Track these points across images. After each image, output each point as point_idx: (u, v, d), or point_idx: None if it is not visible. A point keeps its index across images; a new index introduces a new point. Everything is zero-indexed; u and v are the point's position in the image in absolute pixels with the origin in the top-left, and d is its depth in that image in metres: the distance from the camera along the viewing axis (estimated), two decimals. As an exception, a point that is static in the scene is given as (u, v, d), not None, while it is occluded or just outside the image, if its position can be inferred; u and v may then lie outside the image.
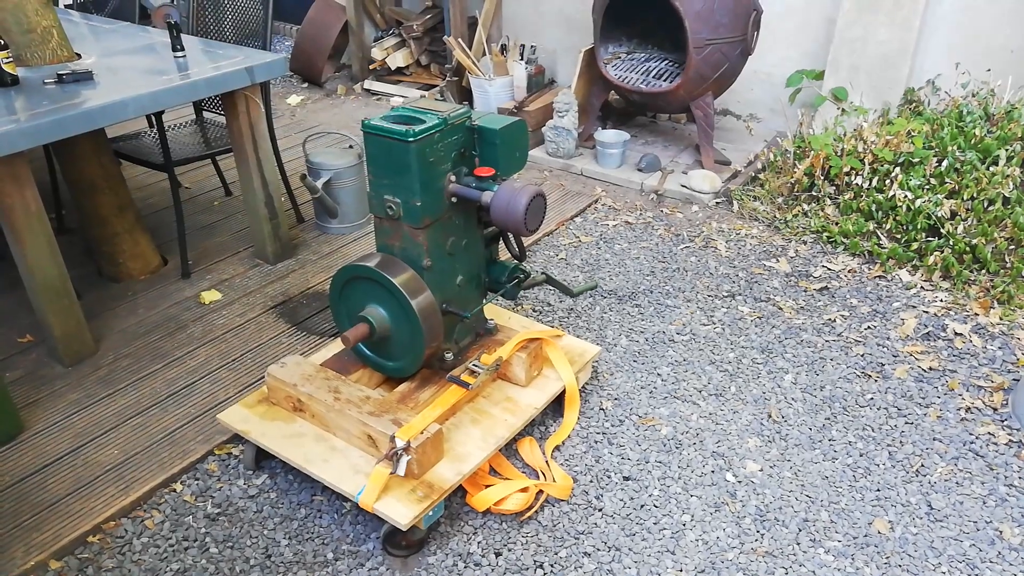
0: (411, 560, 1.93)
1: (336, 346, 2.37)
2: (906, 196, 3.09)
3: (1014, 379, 2.49)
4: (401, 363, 2.15)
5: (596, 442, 2.29)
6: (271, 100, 3.24)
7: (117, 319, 2.83)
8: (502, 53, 4.61)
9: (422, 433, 1.92)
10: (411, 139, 1.90)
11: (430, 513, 1.89)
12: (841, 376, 2.54)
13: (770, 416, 2.38)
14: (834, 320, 2.80)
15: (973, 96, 3.49)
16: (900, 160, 3.23)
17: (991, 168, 3.07)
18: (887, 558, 1.93)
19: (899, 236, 3.14)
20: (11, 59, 2.47)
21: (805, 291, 2.98)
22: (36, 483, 2.13)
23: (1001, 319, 2.76)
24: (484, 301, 2.34)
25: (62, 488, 2.11)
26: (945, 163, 3.13)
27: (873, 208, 3.20)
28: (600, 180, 3.91)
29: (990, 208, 2.99)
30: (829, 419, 2.36)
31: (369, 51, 5.20)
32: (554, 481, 2.13)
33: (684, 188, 3.70)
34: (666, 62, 4.00)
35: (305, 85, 5.38)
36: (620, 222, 3.51)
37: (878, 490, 2.12)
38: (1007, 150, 3.09)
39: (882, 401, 2.43)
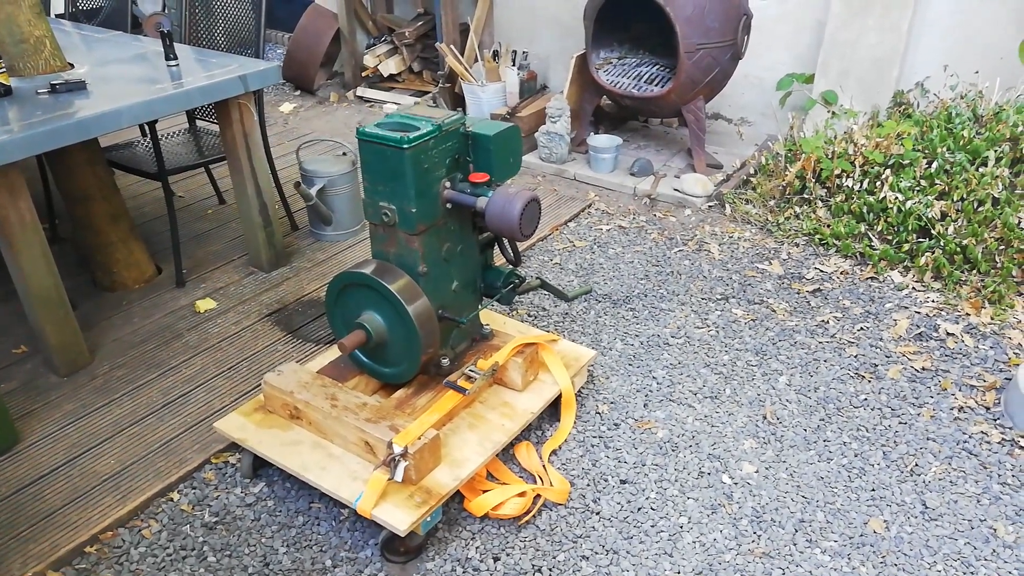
0: (410, 566, 1.93)
1: (332, 353, 2.37)
2: (896, 198, 3.12)
3: (1006, 378, 2.51)
4: (398, 369, 2.16)
5: (593, 446, 2.30)
6: (264, 108, 3.25)
7: (112, 329, 2.83)
8: (494, 59, 4.63)
9: (419, 439, 1.92)
10: (406, 146, 1.91)
11: (428, 519, 1.89)
12: (835, 377, 2.55)
13: (765, 418, 2.39)
14: (827, 322, 2.82)
15: (962, 98, 3.52)
16: (890, 162, 3.25)
17: (980, 169, 3.09)
18: (883, 557, 1.94)
19: (890, 237, 3.16)
20: (4, 69, 2.48)
21: (798, 293, 3.00)
22: (32, 494, 2.13)
23: (992, 319, 2.78)
24: (480, 306, 2.35)
25: (59, 499, 2.11)
26: (935, 165, 3.16)
27: (864, 210, 3.22)
28: (593, 185, 3.92)
29: (980, 209, 3.01)
30: (824, 420, 2.38)
31: (361, 58, 5.21)
32: (551, 485, 2.13)
33: (677, 192, 3.72)
34: (657, 67, 4.02)
35: (298, 93, 5.39)
36: (613, 226, 3.53)
37: (873, 490, 2.13)
38: (996, 151, 3.11)
39: (876, 401, 2.44)
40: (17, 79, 2.61)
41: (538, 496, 2.10)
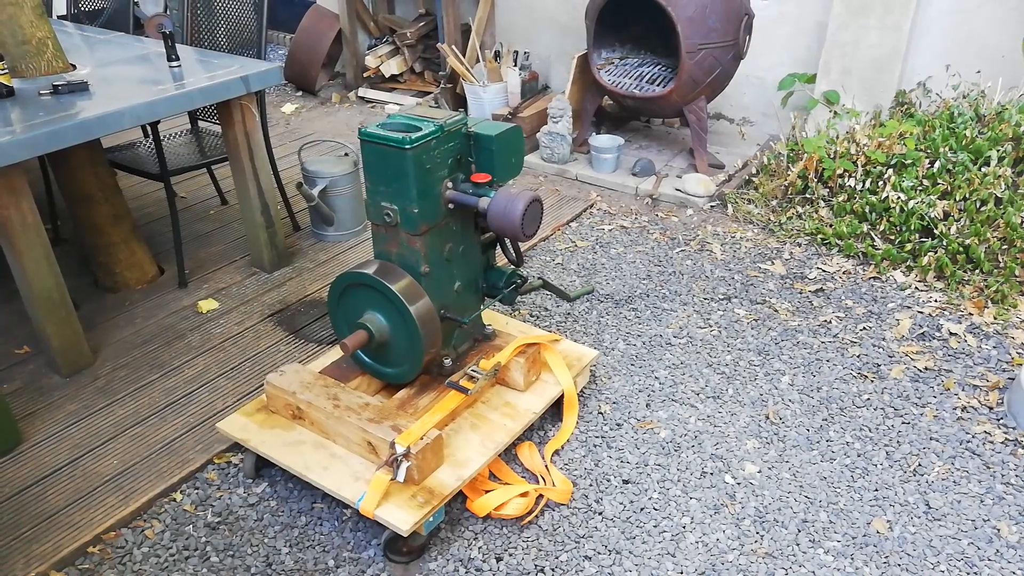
0: (412, 566, 1.93)
1: (334, 353, 2.37)
2: (899, 197, 3.11)
3: (1009, 378, 2.50)
4: (400, 369, 2.16)
5: (595, 446, 2.29)
6: (266, 109, 3.25)
7: (114, 329, 2.83)
8: (496, 60, 4.63)
9: (422, 439, 1.92)
10: (408, 146, 1.91)
11: (431, 519, 1.89)
12: (837, 377, 2.55)
13: (768, 418, 2.39)
14: (830, 321, 2.82)
15: (964, 98, 3.52)
16: (892, 162, 3.25)
17: (983, 169, 3.09)
18: (886, 557, 1.93)
19: (893, 237, 3.16)
20: (6, 70, 2.48)
21: (800, 293, 2.99)
22: (35, 494, 2.13)
23: (995, 318, 2.78)
24: (482, 307, 2.35)
25: (61, 499, 2.11)
26: (937, 164, 3.15)
27: (866, 210, 3.22)
28: (595, 185, 3.92)
29: (982, 208, 3.01)
30: (826, 420, 2.38)
31: (363, 59, 5.21)
32: (554, 485, 2.13)
33: (678, 192, 3.72)
34: (659, 67, 4.02)
35: (299, 93, 5.39)
36: (615, 226, 3.53)
37: (876, 490, 2.13)
38: (998, 151, 3.11)
39: (879, 401, 2.44)
40: (19, 80, 2.61)
41: (540, 496, 2.10)
